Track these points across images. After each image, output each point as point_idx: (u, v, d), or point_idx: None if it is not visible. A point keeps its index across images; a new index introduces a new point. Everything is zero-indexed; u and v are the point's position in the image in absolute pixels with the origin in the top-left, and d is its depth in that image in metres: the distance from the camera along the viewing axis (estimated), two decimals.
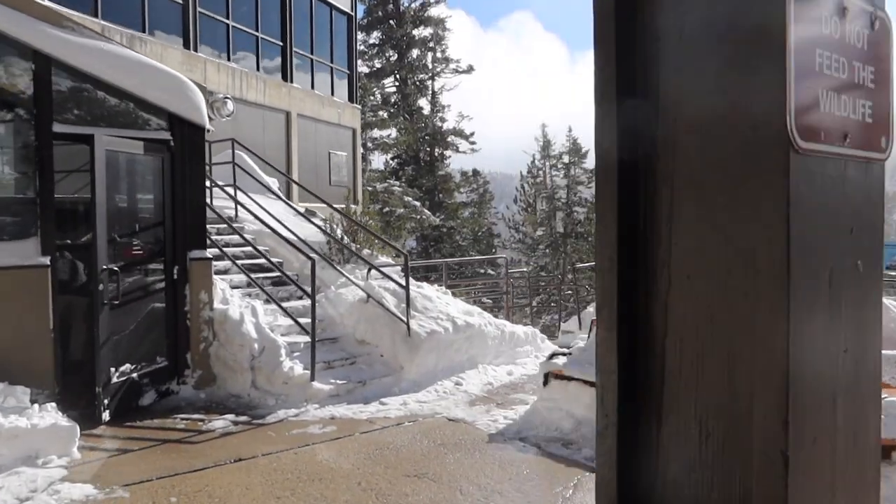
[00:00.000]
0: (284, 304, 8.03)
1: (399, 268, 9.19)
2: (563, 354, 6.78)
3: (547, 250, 42.11)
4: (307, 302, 7.98)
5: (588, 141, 46.54)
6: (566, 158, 44.51)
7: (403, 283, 8.04)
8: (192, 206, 7.09)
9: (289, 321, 7.81)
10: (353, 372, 7.48)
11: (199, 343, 7.17)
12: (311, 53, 19.44)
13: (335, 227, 10.09)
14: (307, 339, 7.31)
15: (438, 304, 8.31)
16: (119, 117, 6.48)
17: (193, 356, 7.12)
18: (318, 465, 5.17)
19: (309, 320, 7.37)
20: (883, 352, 4.70)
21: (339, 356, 7.70)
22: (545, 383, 6.56)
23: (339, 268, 8.78)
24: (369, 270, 8.45)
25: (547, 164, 45.25)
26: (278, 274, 8.66)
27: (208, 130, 7.20)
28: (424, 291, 8.49)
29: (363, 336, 8.00)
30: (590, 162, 45.50)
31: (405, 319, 7.76)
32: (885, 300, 6.51)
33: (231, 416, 6.36)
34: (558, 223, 43.73)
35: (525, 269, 12.85)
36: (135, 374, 6.53)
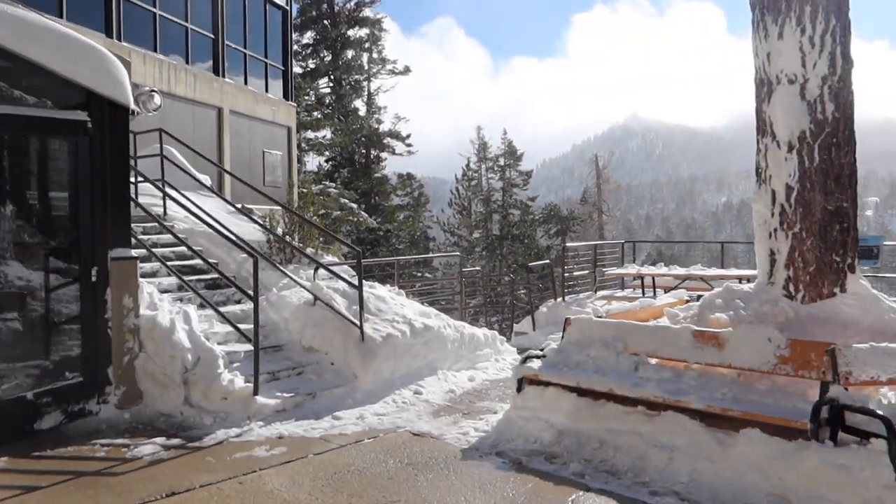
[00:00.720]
0: (222, 309, 7.18)
1: (347, 267, 8.46)
2: (537, 357, 6.19)
3: (483, 253, 41.97)
4: (247, 306, 7.16)
5: (522, 143, 46.68)
6: (502, 161, 44.50)
7: (355, 282, 7.30)
8: (114, 198, 6.18)
9: (227, 328, 6.96)
10: (301, 383, 6.68)
11: (123, 355, 6.26)
12: (245, 48, 18.44)
13: (275, 224, 9.27)
14: (248, 347, 6.49)
15: (393, 305, 7.61)
16: (21, 93, 5.55)
17: (116, 370, 6.20)
18: (269, 496, 4.40)
19: (249, 326, 6.57)
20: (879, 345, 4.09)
21: (285, 366, 6.89)
22: (519, 389, 5.96)
23: (281, 268, 7.97)
24: (316, 270, 7.67)
25: (483, 166, 45.12)
26: (213, 276, 7.79)
27: (133, 112, 6.32)
28: (377, 292, 7.78)
29: (311, 342, 7.21)
30: (526, 163, 45.67)
31: (358, 323, 7.03)
32: (879, 293, 6.18)
33: (161, 440, 5.48)
34: (494, 225, 43.71)
35: (477, 269, 12.26)
36: (28, 393, 5.55)
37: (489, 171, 46.14)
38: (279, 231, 9.16)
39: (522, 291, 16.71)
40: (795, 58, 6.02)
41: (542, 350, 6.45)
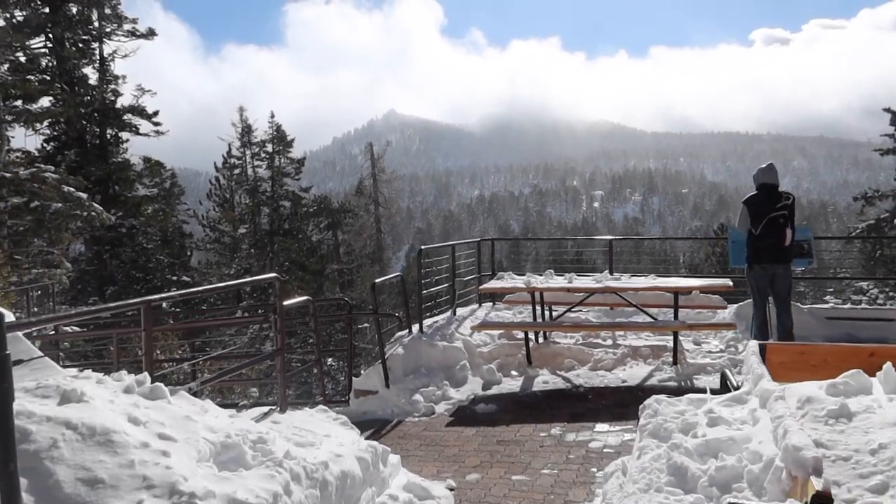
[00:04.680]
0: None
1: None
2: None
3: (252, 250, 36.48)
4: None
5: (293, 129, 41.48)
6: (270, 147, 39.09)
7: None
8: None
9: None
10: None
11: None
12: None
13: None
14: None
15: (134, 452, 2.66)
16: None
17: None
18: None
19: None
20: None
21: None
22: None
23: None
24: None
25: (248, 152, 39.25)
26: None
27: None
28: (77, 414, 2.74)
29: None
30: (297, 149, 40.67)
31: None
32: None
33: None
34: (263, 219, 38.38)
35: (306, 297, 7.36)
36: None
37: (255, 159, 40.18)
38: None
39: (365, 325, 12.12)
40: None
41: None
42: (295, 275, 35.56)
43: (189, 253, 34.95)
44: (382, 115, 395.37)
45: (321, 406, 5.35)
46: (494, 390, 7.52)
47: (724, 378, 4.78)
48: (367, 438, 6.26)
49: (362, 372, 7.95)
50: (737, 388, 4.47)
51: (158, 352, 10.47)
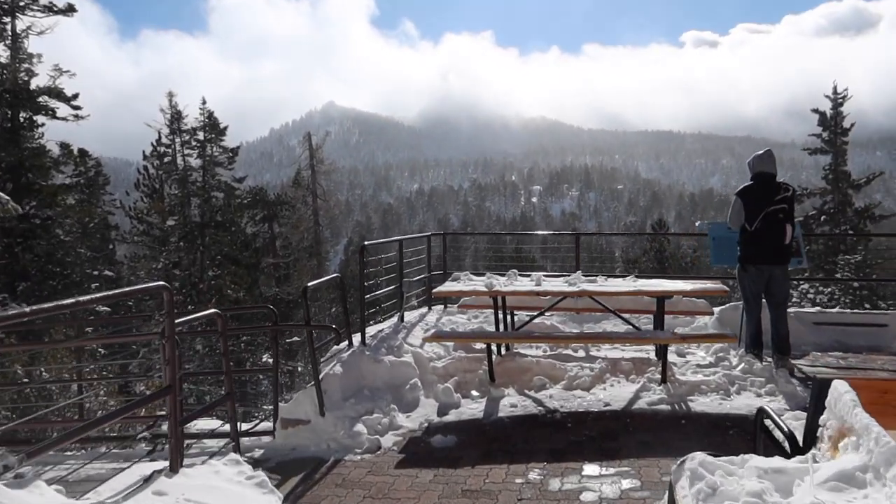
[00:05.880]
0: None
1: None
2: None
3: (181, 243, 34.41)
4: None
5: (224, 118, 39.19)
6: (201, 135, 36.92)
7: None
8: None
9: None
10: None
11: None
12: None
13: None
14: None
15: None
16: None
17: None
18: None
19: None
20: None
21: None
22: None
23: None
24: None
25: (178, 140, 36.98)
26: None
27: None
28: None
29: None
30: (231, 139, 38.58)
31: None
32: None
33: None
34: (194, 211, 36.24)
35: (213, 310, 5.95)
36: None
37: (186, 147, 37.87)
38: None
39: (295, 338, 10.63)
40: None
41: None
42: (227, 269, 33.66)
43: (112, 246, 32.69)
44: (321, 107, 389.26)
45: (232, 456, 4.04)
46: (453, 416, 6.32)
47: (761, 416, 3.69)
48: (296, 486, 5.03)
49: (290, 395, 6.62)
50: (789, 436, 3.39)
51: (43, 370, 8.88)
